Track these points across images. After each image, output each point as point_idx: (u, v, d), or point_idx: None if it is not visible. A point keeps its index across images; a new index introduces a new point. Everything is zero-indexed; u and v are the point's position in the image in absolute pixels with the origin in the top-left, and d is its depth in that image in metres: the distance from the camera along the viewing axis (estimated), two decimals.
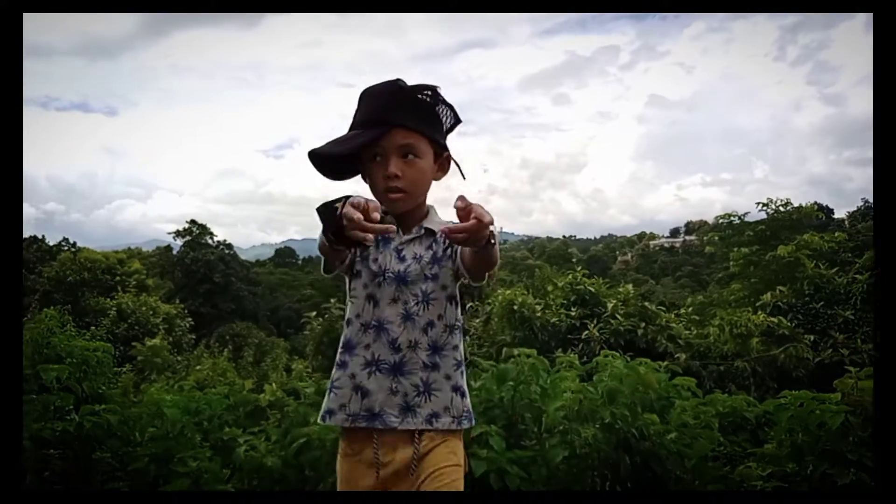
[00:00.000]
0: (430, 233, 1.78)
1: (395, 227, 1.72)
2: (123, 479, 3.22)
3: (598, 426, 3.28)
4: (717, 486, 3.30)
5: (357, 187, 1.82)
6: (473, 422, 1.80)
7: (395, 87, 1.69)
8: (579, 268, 12.88)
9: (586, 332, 10.09)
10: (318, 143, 1.72)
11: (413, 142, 1.69)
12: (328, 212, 1.51)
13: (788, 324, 10.43)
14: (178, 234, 43.23)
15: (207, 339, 26.35)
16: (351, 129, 1.73)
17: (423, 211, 1.82)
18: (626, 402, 3.36)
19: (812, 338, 10.31)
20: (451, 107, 1.77)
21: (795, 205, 18.21)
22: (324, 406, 1.78)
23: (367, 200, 1.45)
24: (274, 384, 5.02)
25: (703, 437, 3.37)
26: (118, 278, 30.33)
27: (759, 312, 10.96)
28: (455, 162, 1.83)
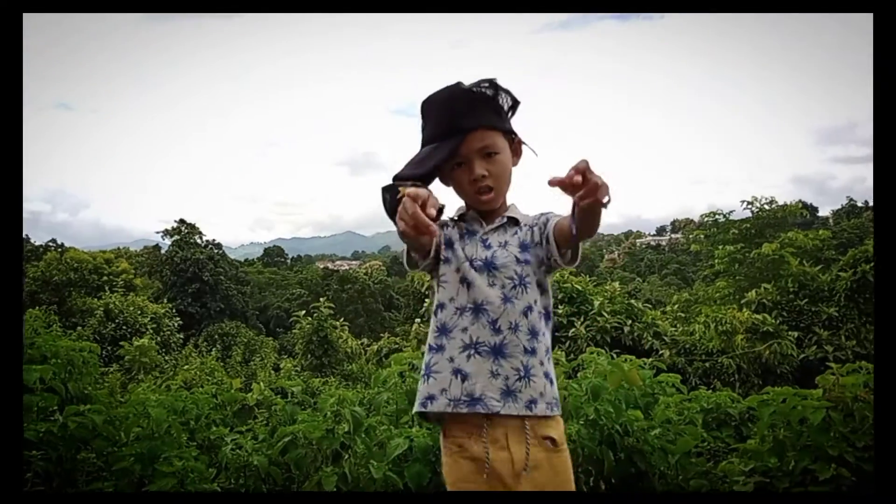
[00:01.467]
0: (513, 221, 1.80)
1: (436, 231, 1.50)
2: (108, 480, 3.21)
3: (582, 422, 3.30)
4: (701, 481, 3.34)
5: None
6: (560, 410, 1.77)
7: (459, 91, 1.71)
8: None
9: (573, 329, 10.13)
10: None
11: (490, 141, 1.72)
12: (391, 193, 1.57)
13: (773, 321, 10.52)
14: (166, 233, 43.00)
15: (196, 339, 26.22)
16: (424, 143, 1.76)
17: (505, 205, 1.84)
18: (610, 399, 3.39)
19: (796, 335, 10.40)
20: (507, 91, 1.76)
21: (780, 203, 18.39)
22: (422, 392, 1.72)
23: (429, 194, 1.48)
24: (262, 383, 5.00)
25: (686, 433, 3.40)
26: (105, 278, 30.15)
27: (744, 309, 11.05)
28: (524, 143, 1.83)
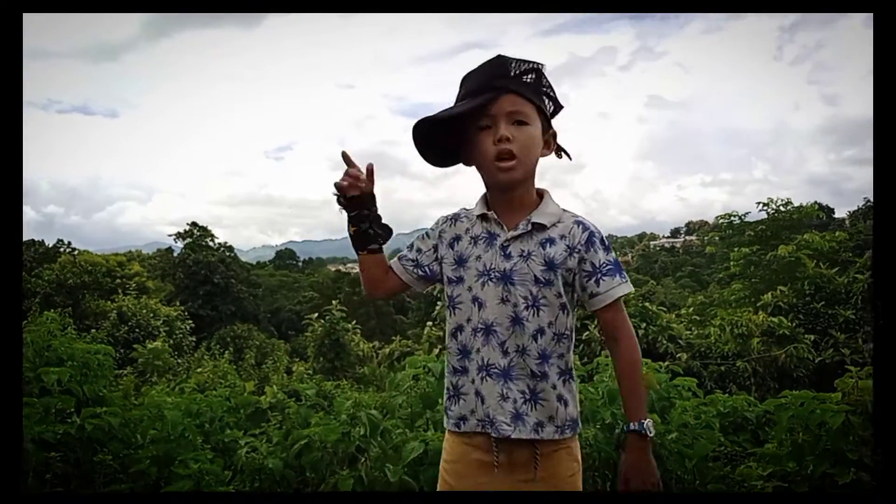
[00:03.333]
0: (541, 227, 1.69)
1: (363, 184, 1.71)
2: (125, 482, 3.22)
3: (598, 426, 3.28)
4: (718, 486, 3.31)
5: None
6: (578, 429, 1.75)
7: (500, 58, 1.66)
8: None
9: (587, 332, 10.08)
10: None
11: (522, 108, 1.64)
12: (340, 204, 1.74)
13: (789, 324, 10.42)
14: (178, 236, 43.20)
15: (208, 342, 26.28)
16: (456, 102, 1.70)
17: (532, 197, 1.74)
18: None
19: (813, 338, 10.30)
20: (551, 89, 1.71)
21: (796, 204, 18.23)
22: (454, 413, 1.75)
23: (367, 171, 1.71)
24: (275, 386, 5.02)
25: (703, 438, 3.37)
26: (118, 281, 30.28)
27: (760, 312, 10.96)
28: (559, 145, 1.78)
